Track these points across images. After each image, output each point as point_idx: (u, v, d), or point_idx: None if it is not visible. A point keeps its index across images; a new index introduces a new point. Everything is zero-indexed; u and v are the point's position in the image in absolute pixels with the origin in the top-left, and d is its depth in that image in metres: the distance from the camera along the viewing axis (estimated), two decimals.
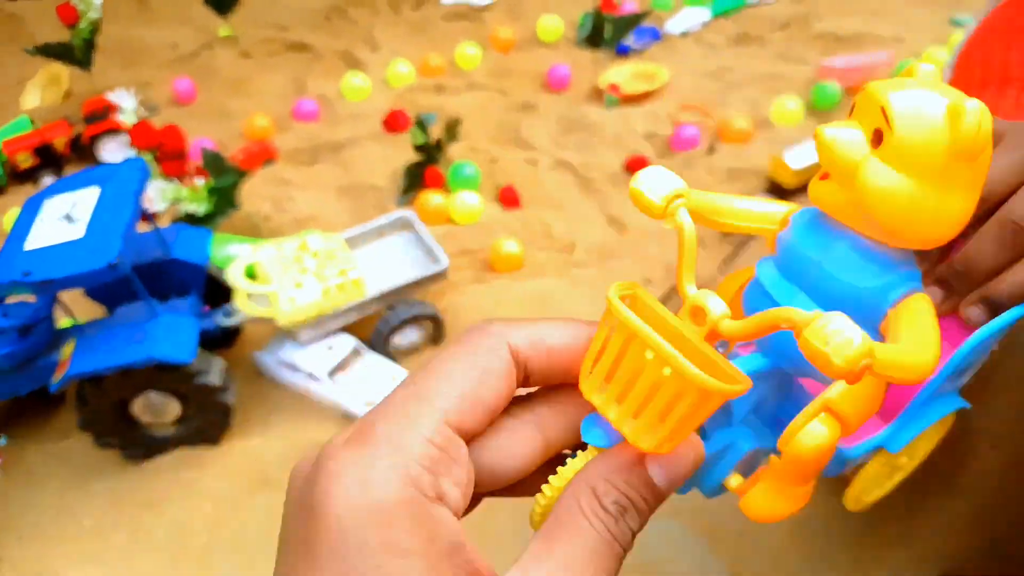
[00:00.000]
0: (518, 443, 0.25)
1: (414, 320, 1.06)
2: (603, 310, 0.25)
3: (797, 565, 0.83)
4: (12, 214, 1.43)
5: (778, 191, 1.35)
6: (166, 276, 1.02)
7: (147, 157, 1.11)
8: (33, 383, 0.98)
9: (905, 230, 0.24)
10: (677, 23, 1.90)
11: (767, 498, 0.27)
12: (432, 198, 1.33)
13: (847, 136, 0.24)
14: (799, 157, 1.32)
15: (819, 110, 1.56)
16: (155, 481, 0.97)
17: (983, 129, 0.23)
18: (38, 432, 1.08)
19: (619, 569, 0.24)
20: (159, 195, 1.11)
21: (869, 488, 0.42)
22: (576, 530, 0.23)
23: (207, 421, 0.98)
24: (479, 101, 1.69)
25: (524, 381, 0.26)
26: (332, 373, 1.01)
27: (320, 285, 1.00)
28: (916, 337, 0.24)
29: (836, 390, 0.24)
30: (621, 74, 1.70)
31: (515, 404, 0.26)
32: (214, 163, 1.20)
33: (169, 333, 0.91)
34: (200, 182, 1.16)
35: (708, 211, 0.29)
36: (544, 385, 0.27)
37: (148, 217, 1.01)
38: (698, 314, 0.24)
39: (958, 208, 0.24)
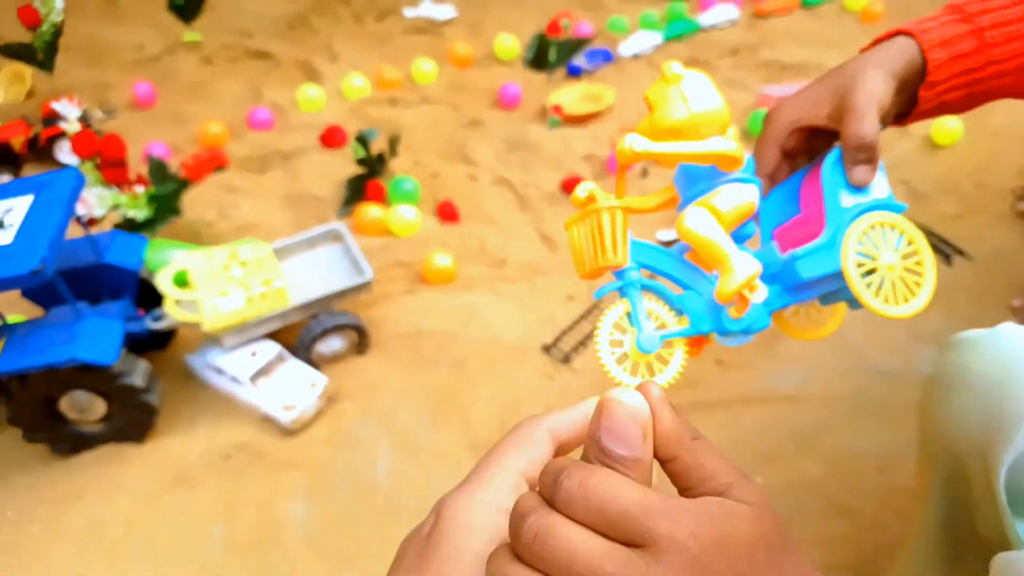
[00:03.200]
0: None
1: (337, 329, 1.11)
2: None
3: None
4: None
5: None
6: (100, 279, 1.07)
7: (88, 165, 1.15)
8: None
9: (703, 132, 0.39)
10: (630, 45, 1.95)
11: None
12: (370, 211, 1.38)
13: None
14: None
15: (754, 136, 1.62)
16: (77, 476, 1.01)
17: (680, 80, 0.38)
18: None
19: None
20: (98, 201, 1.15)
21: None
22: None
23: (131, 420, 1.02)
24: (430, 116, 1.74)
25: (559, 451, 0.37)
26: (255, 377, 1.06)
27: (244, 293, 1.05)
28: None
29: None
30: (569, 95, 1.76)
31: None
32: (157, 171, 1.24)
33: (93, 335, 0.95)
34: (140, 189, 1.20)
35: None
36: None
37: (82, 223, 1.05)
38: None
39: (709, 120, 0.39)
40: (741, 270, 0.40)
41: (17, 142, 1.62)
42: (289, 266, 1.16)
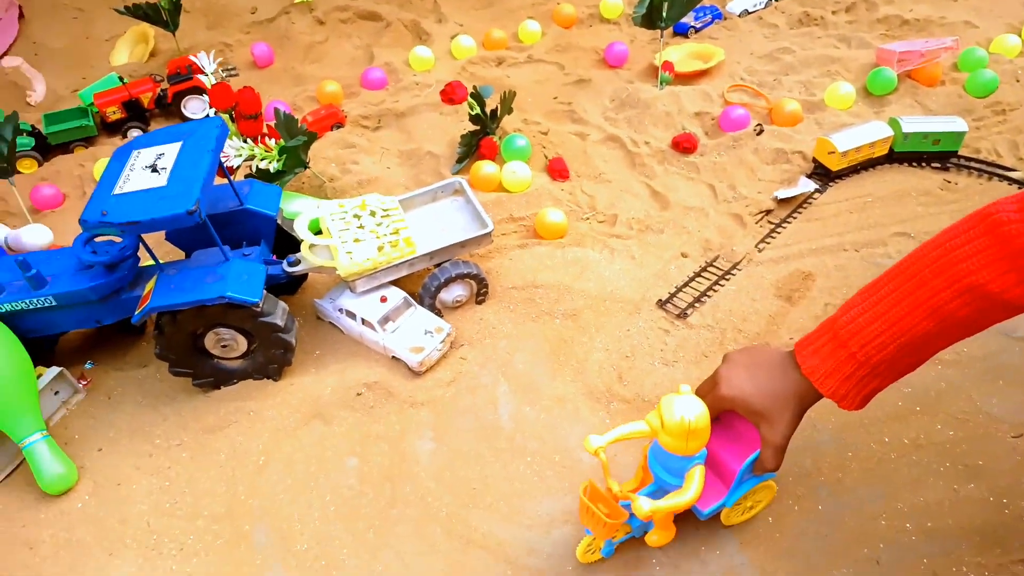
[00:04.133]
0: None
1: (460, 278, 1.14)
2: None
3: (815, 557, 0.88)
4: (102, 163, 1.56)
5: (823, 172, 1.37)
6: (239, 225, 1.12)
7: (224, 117, 1.21)
8: (117, 314, 1.10)
9: (689, 451, 0.74)
10: (740, 3, 1.91)
11: (657, 537, 0.82)
12: (485, 167, 1.40)
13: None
14: (847, 139, 1.34)
15: (874, 95, 1.57)
16: (220, 408, 1.08)
17: (685, 425, 0.72)
18: (120, 360, 1.20)
19: None
20: (234, 152, 1.20)
21: (730, 518, 0.87)
22: None
23: (270, 357, 1.08)
24: (537, 75, 1.75)
25: None
26: (383, 322, 1.10)
27: (376, 242, 1.09)
28: (684, 489, 0.75)
29: (657, 505, 0.74)
30: (678, 53, 1.73)
31: None
32: (287, 125, 1.29)
33: (239, 276, 1.01)
34: (272, 142, 1.25)
35: (617, 441, 0.77)
36: None
37: (224, 171, 1.11)
38: (617, 496, 0.78)
39: (696, 444, 0.74)
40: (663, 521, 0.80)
41: (146, 98, 1.71)
42: (412, 218, 1.19)
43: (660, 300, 1.18)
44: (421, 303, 1.15)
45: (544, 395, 1.07)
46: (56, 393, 1.11)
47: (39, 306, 1.05)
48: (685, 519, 0.84)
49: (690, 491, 0.74)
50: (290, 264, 1.10)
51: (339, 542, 0.92)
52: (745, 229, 1.31)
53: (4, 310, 1.05)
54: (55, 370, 1.10)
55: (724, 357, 0.80)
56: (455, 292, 1.16)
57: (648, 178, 1.45)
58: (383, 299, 1.11)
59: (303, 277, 1.24)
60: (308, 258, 1.09)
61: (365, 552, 0.90)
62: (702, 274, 1.23)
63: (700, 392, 0.80)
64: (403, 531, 0.92)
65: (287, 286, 1.20)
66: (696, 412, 0.71)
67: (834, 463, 0.94)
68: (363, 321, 1.11)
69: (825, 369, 0.71)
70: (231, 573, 0.89)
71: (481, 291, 1.18)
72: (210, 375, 1.09)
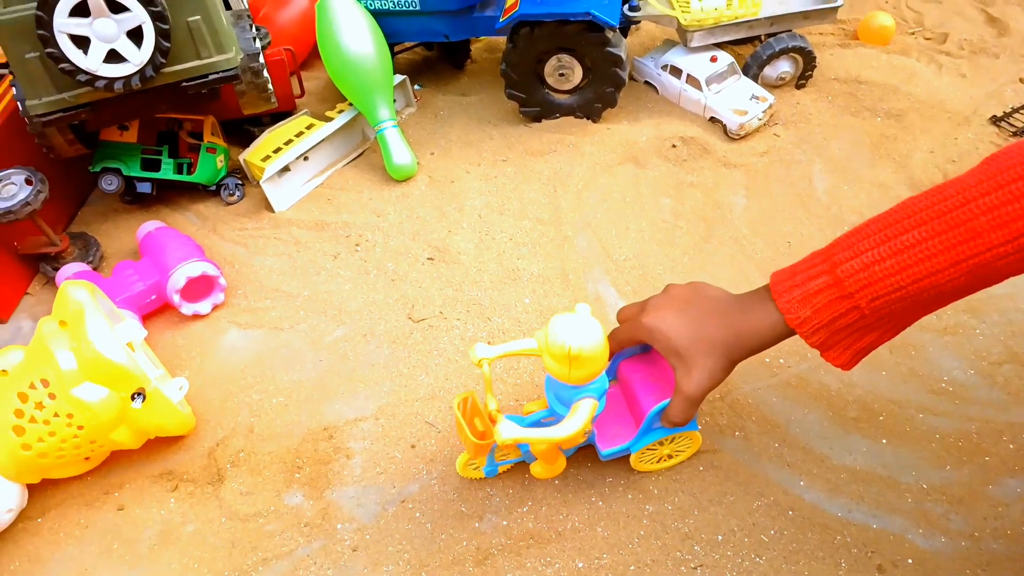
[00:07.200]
0: None
1: (793, 52, 1.13)
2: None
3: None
4: None
5: None
6: None
7: None
8: (464, 32, 1.18)
9: (574, 380, 0.59)
10: None
11: (540, 469, 0.71)
12: None
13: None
14: None
15: None
16: (542, 137, 1.15)
17: (566, 351, 0.56)
18: (445, 87, 1.30)
19: None
20: None
21: (641, 463, 0.73)
22: None
23: (598, 95, 1.12)
24: None
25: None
26: (708, 81, 1.12)
27: None
28: (565, 422, 0.60)
29: (519, 434, 0.58)
30: None
31: None
32: None
33: (600, 0, 1.04)
34: None
35: (505, 357, 0.64)
36: None
37: None
38: (492, 416, 0.62)
39: (583, 374, 0.59)
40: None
41: None
42: None
43: (995, 116, 1.12)
44: (746, 73, 1.15)
45: (863, 179, 1.06)
46: (394, 100, 1.22)
47: (403, 9, 1.14)
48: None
49: (566, 427, 0.60)
50: (631, 9, 1.13)
51: (655, 260, 0.98)
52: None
53: (374, 7, 1.14)
54: (400, 77, 1.20)
55: (665, 287, 0.67)
56: (781, 68, 1.15)
57: (985, 5, 1.35)
58: (713, 59, 1.12)
59: (627, 32, 1.26)
60: (652, 4, 1.11)
61: (681, 272, 0.96)
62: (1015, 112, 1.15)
63: (624, 313, 0.69)
64: (718, 262, 0.97)
65: None
66: (583, 338, 0.56)
67: None
68: (688, 78, 1.13)
69: (818, 320, 0.58)
70: (557, 265, 0.98)
71: (807, 72, 1.16)
72: (538, 104, 1.15)
